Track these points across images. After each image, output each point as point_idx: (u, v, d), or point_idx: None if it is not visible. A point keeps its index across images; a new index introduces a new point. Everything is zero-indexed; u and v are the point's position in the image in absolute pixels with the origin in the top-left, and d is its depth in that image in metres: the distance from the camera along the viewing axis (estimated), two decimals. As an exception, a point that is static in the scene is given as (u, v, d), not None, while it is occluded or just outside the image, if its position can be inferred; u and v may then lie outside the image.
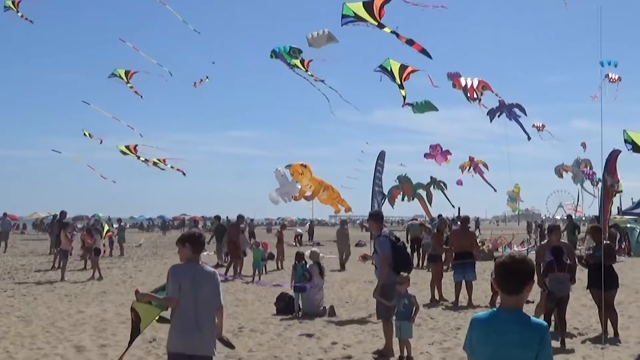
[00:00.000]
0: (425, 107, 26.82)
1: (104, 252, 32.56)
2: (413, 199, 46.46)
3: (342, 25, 16.92)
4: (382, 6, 16.14)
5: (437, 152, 42.99)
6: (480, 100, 30.26)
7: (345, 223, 32.93)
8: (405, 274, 11.10)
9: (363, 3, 16.20)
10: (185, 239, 7.03)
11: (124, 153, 28.99)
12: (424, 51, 17.07)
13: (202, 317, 6.72)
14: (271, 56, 21.70)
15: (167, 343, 6.90)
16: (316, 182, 26.16)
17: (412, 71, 19.13)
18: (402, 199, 46.54)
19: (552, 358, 4.22)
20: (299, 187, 26.24)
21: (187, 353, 6.67)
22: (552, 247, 12.26)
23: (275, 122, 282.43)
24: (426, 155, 43.32)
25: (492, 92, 30.77)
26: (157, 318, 7.43)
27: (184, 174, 31.17)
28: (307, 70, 21.22)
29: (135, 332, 7.51)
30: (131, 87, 24.29)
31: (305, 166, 25.70)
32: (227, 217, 37.66)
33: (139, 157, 28.91)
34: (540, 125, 37.88)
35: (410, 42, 17.05)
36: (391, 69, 18.87)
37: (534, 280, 4.37)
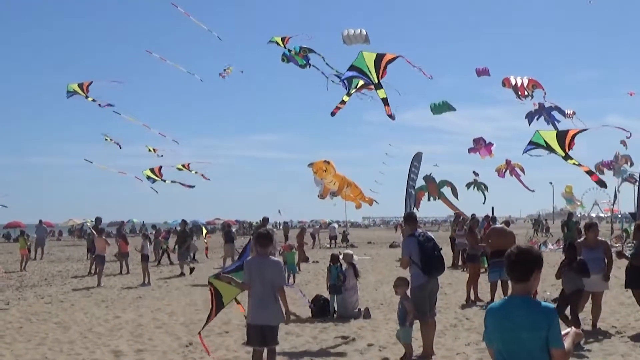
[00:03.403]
0: (443, 107, 26.69)
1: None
2: (437, 198, 45.95)
3: (340, 80, 15.29)
4: (387, 64, 14.97)
5: (481, 146, 41.82)
6: (532, 97, 29.82)
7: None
8: (402, 277, 11.05)
9: (377, 55, 15.08)
10: (254, 238, 9.46)
11: (150, 178, 28.71)
12: (390, 116, 15.32)
13: (267, 296, 8.62)
14: (282, 60, 21.54)
15: (247, 317, 8.89)
16: (339, 178, 26.06)
17: (390, 60, 14.92)
18: (428, 199, 46.01)
19: (561, 339, 4.52)
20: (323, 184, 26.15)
21: (259, 324, 8.67)
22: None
23: (302, 125, 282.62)
24: (470, 150, 42.23)
25: (543, 90, 30.24)
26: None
27: (208, 179, 31.27)
28: (284, 46, 20.76)
29: (220, 304, 9.84)
30: (93, 100, 24.40)
31: (328, 162, 25.60)
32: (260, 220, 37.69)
33: (164, 181, 28.69)
34: (571, 112, 36.99)
35: (385, 102, 15.30)
36: (367, 67, 14.86)
37: (541, 269, 4.70)
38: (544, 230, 62.62)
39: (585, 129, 16.03)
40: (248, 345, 9.15)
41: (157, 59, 25.36)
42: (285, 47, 20.92)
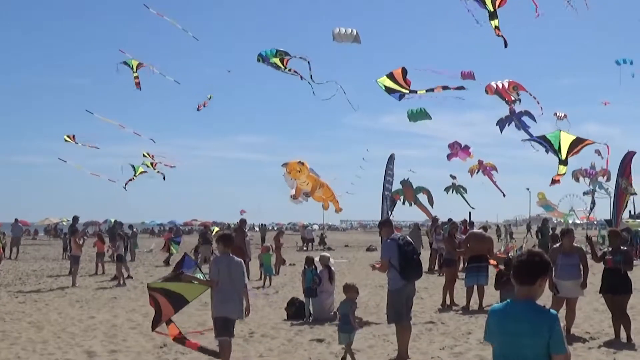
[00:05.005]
0: (420, 115, 26.74)
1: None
2: (412, 204, 45.95)
3: (399, 100, 16.03)
4: (403, 77, 15.57)
5: (457, 150, 41.45)
6: (520, 101, 29.57)
7: (418, 226, 33.24)
8: (351, 283, 11.46)
9: (387, 75, 15.74)
10: (218, 238, 10.08)
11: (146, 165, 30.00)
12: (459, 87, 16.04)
13: (231, 292, 9.36)
14: (258, 60, 21.51)
15: (212, 311, 9.57)
16: (312, 179, 26.12)
17: None
18: (403, 203, 45.98)
19: (563, 344, 4.44)
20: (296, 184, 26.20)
21: (222, 316, 9.38)
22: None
23: (282, 128, 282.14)
24: (449, 156, 41.69)
25: (527, 91, 29.90)
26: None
27: (164, 179, 32.08)
28: (285, 67, 21.02)
29: (180, 302, 9.94)
30: (136, 78, 25.32)
31: (302, 164, 25.64)
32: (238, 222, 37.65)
33: (158, 172, 29.92)
34: (562, 115, 36.60)
35: (445, 87, 16.10)
36: None
37: (547, 275, 4.64)
38: (509, 236, 62.74)
39: (595, 142, 16.00)
40: (215, 337, 9.78)
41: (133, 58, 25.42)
42: (285, 67, 21.10)
